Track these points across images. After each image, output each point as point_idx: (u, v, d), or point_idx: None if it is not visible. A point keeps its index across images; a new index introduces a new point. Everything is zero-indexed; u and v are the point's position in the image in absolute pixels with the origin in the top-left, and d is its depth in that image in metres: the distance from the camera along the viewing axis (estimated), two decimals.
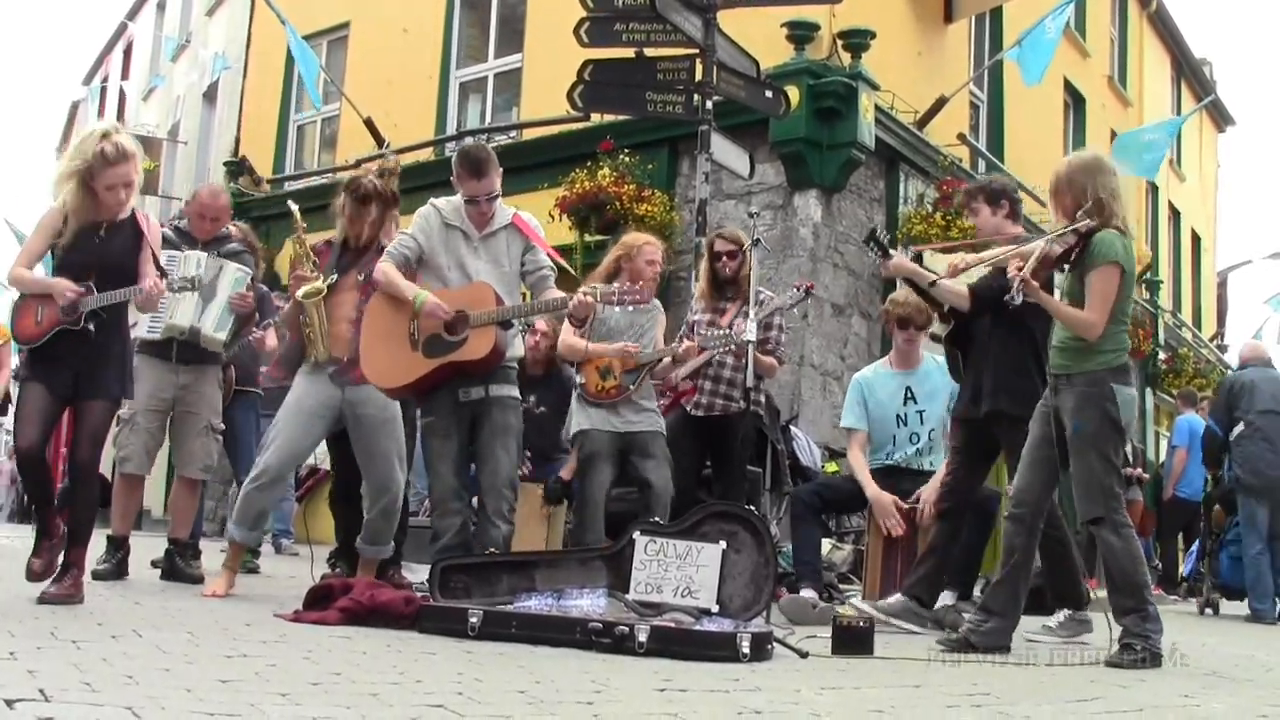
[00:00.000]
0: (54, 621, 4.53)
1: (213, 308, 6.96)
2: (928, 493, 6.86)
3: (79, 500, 5.66)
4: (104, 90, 29.09)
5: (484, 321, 5.86)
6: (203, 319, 6.94)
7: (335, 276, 6.33)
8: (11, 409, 11.59)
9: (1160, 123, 17.43)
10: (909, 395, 7.30)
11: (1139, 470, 15.09)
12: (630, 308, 6.75)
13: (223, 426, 7.42)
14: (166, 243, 6.94)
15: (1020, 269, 5.21)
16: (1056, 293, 5.60)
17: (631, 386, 6.95)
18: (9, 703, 2.78)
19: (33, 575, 5.40)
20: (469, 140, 6.22)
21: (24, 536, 5.58)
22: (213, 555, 7.47)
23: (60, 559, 5.43)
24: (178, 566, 7.09)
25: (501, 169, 6.15)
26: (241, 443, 8.33)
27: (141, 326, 6.89)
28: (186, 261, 6.92)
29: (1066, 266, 5.36)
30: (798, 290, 7.64)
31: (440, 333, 5.91)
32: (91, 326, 5.42)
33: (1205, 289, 27.36)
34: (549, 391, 8.35)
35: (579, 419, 7.07)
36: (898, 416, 7.29)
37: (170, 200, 21.75)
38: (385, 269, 6.05)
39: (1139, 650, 5.03)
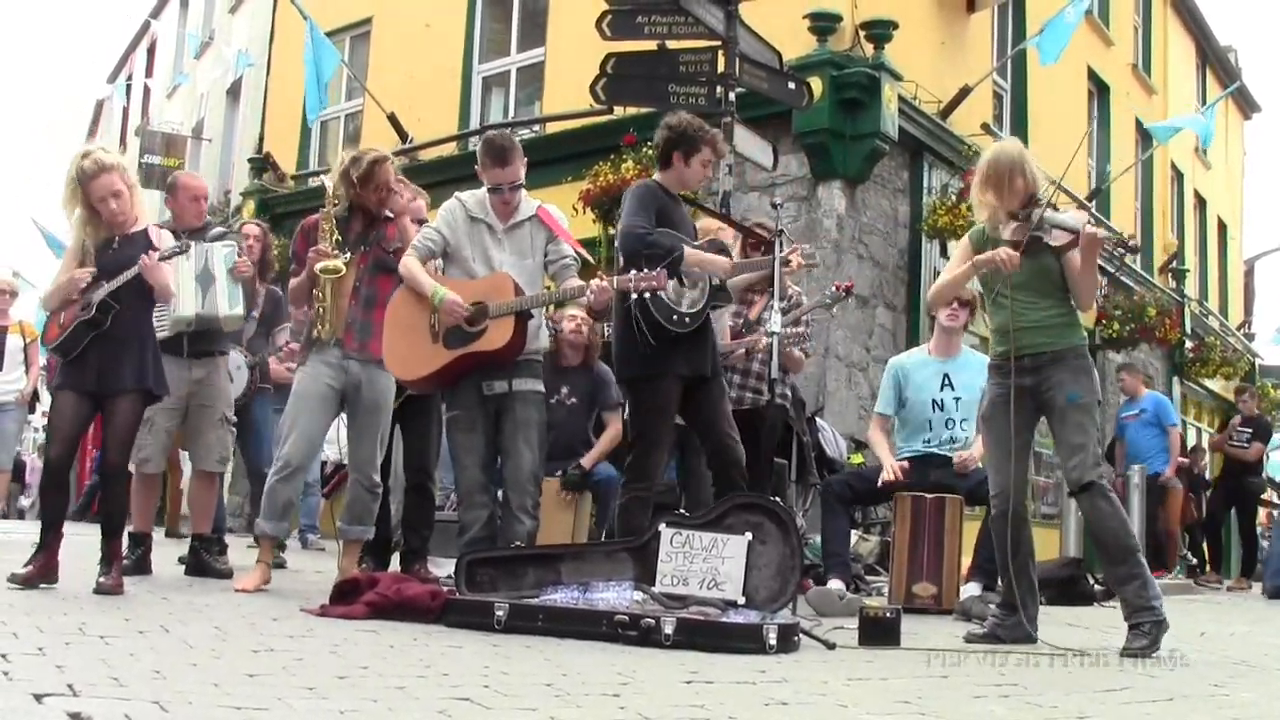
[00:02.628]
0: (82, 617, 4.56)
1: (217, 289, 6.97)
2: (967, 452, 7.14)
3: (110, 497, 6.01)
4: (129, 88, 29.22)
5: (503, 312, 5.87)
6: (216, 304, 6.95)
7: (348, 254, 6.33)
8: (40, 407, 11.76)
9: (1192, 117, 17.52)
10: (947, 382, 7.32)
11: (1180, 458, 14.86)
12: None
13: (235, 419, 7.45)
14: None
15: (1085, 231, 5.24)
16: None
17: None
18: (38, 697, 2.79)
19: (17, 580, 5.49)
20: (492, 131, 6.25)
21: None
22: (238, 550, 7.50)
23: (45, 570, 5.62)
24: (204, 561, 7.12)
25: (526, 159, 6.17)
26: (261, 437, 8.37)
27: None
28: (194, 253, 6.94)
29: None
30: (837, 290, 7.65)
31: (461, 324, 5.92)
32: (108, 319, 5.68)
33: (1232, 277, 27.14)
34: (582, 382, 8.17)
35: None
36: (934, 402, 7.31)
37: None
38: (408, 263, 6.08)
39: (1147, 630, 5.01)
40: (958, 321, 7.42)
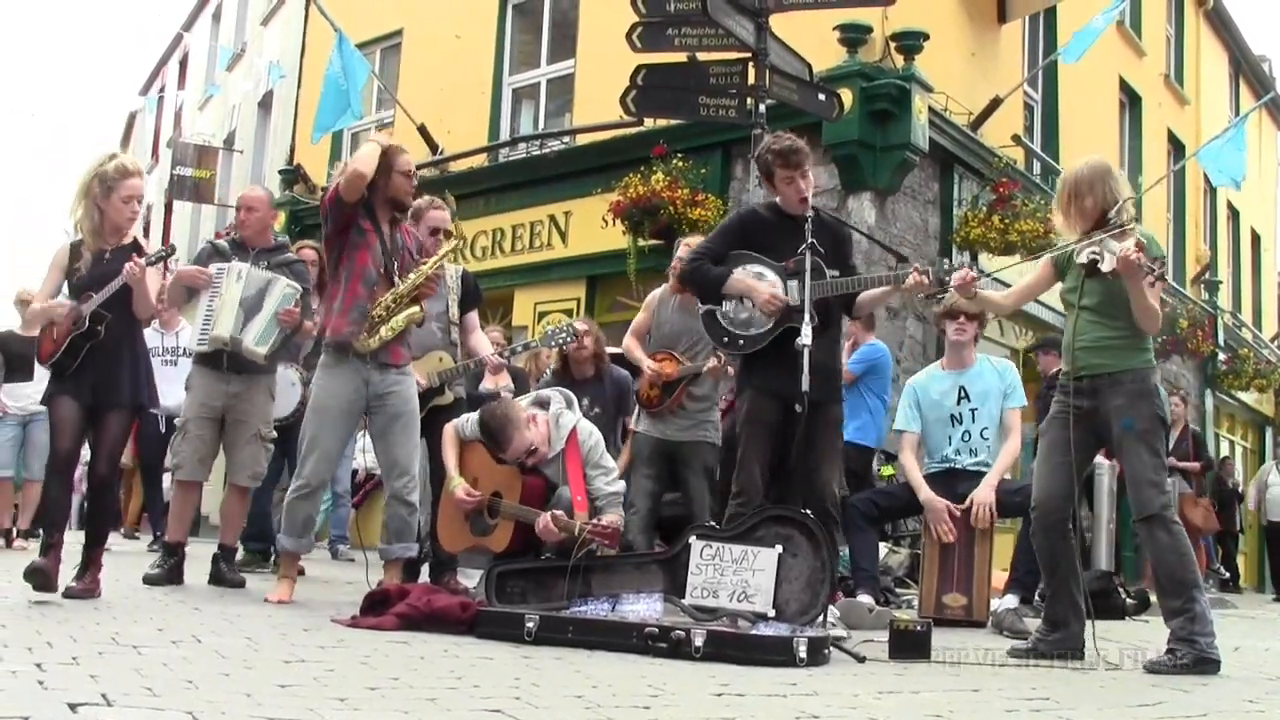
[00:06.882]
0: (115, 627, 4.59)
1: (257, 321, 7.00)
2: (980, 494, 6.87)
3: (98, 509, 6.15)
4: (161, 100, 29.41)
5: (508, 515, 6.04)
6: (245, 331, 6.98)
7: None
8: None
9: (1226, 132, 17.29)
10: (963, 394, 7.28)
11: (1187, 464, 14.07)
12: (686, 311, 7.07)
13: (274, 435, 7.47)
14: (218, 253, 7.23)
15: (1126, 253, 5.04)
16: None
17: (669, 399, 7.23)
18: (72, 706, 2.81)
19: (35, 575, 5.48)
20: (488, 404, 6.48)
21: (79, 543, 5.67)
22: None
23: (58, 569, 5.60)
24: (222, 571, 7.17)
25: (533, 417, 6.22)
26: None
27: (191, 339, 7.05)
28: (229, 273, 7.03)
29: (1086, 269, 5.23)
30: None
31: (485, 511, 6.15)
32: (101, 328, 5.73)
33: (1266, 288, 26.95)
34: (601, 391, 8.25)
35: (635, 420, 7.48)
36: (952, 416, 7.28)
37: (226, 209, 21.99)
38: (448, 440, 6.38)
39: (1180, 655, 4.94)
40: (965, 335, 7.37)
